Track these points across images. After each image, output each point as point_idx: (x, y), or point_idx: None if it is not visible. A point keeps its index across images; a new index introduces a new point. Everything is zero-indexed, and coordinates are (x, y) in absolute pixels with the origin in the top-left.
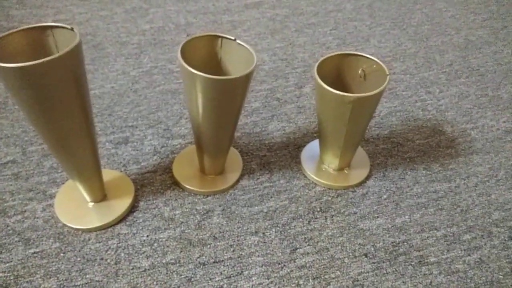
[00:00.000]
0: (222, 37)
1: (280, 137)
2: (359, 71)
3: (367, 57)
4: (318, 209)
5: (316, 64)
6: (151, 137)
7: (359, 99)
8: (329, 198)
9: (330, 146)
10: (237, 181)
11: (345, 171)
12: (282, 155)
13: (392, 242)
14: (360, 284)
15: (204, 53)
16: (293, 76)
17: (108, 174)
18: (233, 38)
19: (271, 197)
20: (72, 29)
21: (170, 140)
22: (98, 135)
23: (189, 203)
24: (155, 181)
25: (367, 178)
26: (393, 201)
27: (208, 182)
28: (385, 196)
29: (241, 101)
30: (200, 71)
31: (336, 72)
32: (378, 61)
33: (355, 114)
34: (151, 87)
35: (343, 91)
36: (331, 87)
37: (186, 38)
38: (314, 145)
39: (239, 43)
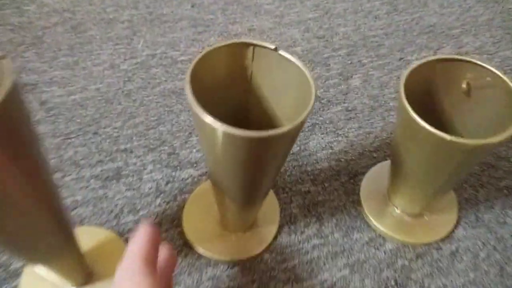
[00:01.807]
0: (255, 45)
1: (327, 159)
2: (463, 85)
3: (478, 64)
4: (393, 283)
5: (403, 79)
6: (151, 167)
7: (481, 146)
8: (406, 262)
9: (412, 191)
10: (274, 237)
11: (425, 217)
12: (333, 190)
13: None
14: None
15: (226, 69)
16: (336, 62)
17: (93, 235)
18: (272, 47)
19: (324, 264)
20: None
21: (178, 171)
22: (80, 167)
23: (209, 278)
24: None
25: (455, 225)
26: (496, 264)
27: (234, 244)
28: (483, 255)
29: (287, 152)
30: (219, 97)
31: (425, 83)
32: (496, 71)
33: (466, 161)
34: (148, 87)
35: (432, 110)
36: (416, 105)
37: (199, 53)
38: (377, 173)
39: (281, 55)
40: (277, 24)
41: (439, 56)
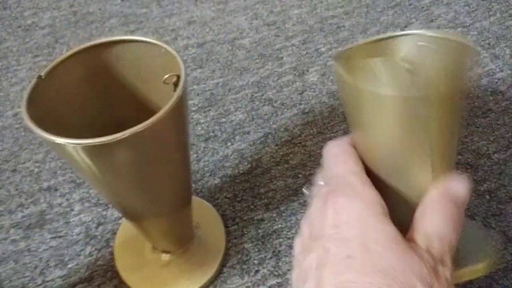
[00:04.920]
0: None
1: (282, 176)
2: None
3: (418, 35)
4: None
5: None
6: (79, 207)
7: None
8: None
9: (399, 203)
10: (216, 277)
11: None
12: (290, 215)
13: None
14: None
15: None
16: (289, 54)
17: None
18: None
19: None
20: None
21: (109, 209)
22: None
23: None
24: None
25: None
26: (479, 287)
27: (169, 273)
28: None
29: (175, 143)
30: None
31: None
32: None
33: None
34: None
35: None
36: None
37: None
38: None
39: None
40: (221, 12)
41: (371, 38)
